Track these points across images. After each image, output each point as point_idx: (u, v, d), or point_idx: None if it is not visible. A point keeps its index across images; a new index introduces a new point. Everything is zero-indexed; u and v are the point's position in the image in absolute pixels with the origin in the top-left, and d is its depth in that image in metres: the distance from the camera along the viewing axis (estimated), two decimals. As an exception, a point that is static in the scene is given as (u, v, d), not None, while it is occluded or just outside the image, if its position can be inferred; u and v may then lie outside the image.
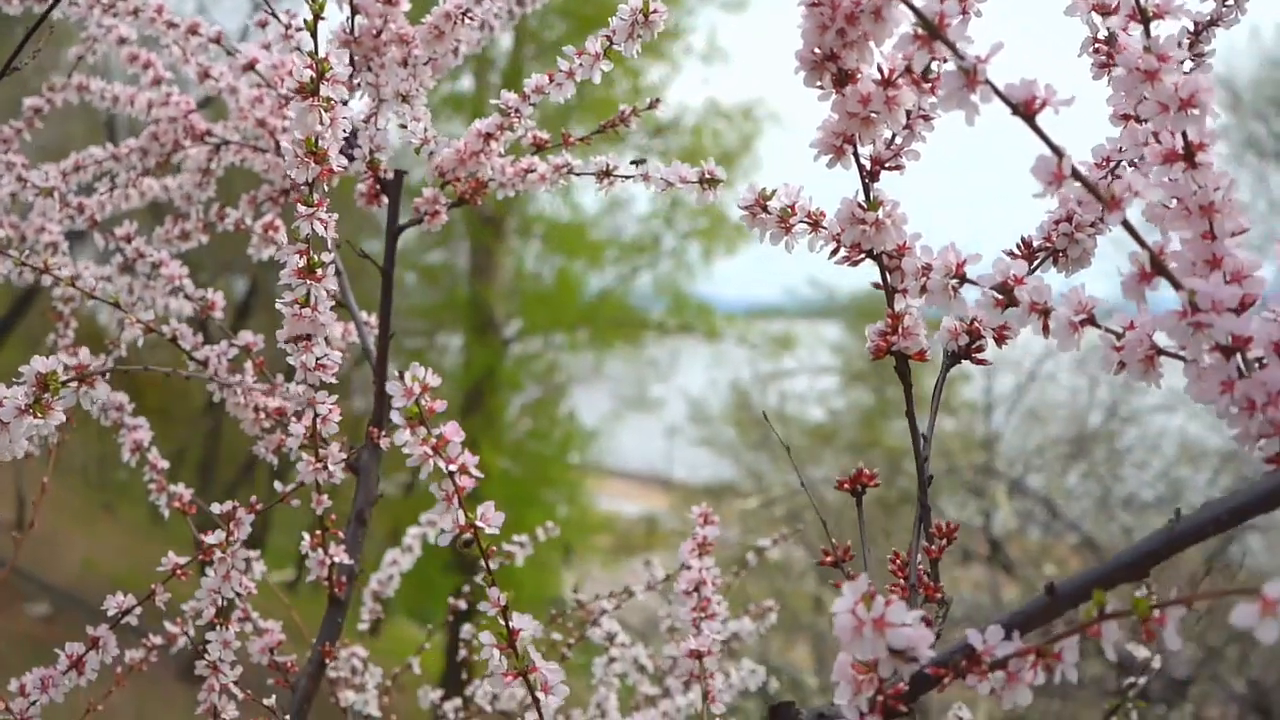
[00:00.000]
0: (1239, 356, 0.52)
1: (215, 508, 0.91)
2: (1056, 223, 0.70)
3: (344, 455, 0.93)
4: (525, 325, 11.88)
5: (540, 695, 0.65)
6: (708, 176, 0.84)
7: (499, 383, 11.34)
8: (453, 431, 0.63)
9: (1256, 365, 0.53)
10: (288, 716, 0.98)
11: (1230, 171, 0.56)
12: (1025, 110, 0.51)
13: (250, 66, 0.99)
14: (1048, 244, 0.70)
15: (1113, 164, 0.70)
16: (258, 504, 0.96)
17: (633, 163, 0.94)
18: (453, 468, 0.62)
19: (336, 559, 0.98)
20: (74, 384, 0.68)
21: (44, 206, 1.13)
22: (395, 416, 0.63)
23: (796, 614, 7.71)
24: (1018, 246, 0.70)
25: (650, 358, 11.94)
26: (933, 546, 0.62)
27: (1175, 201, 0.57)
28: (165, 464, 1.11)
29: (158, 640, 1.05)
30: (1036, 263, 0.70)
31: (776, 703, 0.57)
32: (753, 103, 11.25)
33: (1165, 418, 6.88)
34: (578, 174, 0.97)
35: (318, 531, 0.98)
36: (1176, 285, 0.52)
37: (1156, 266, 0.52)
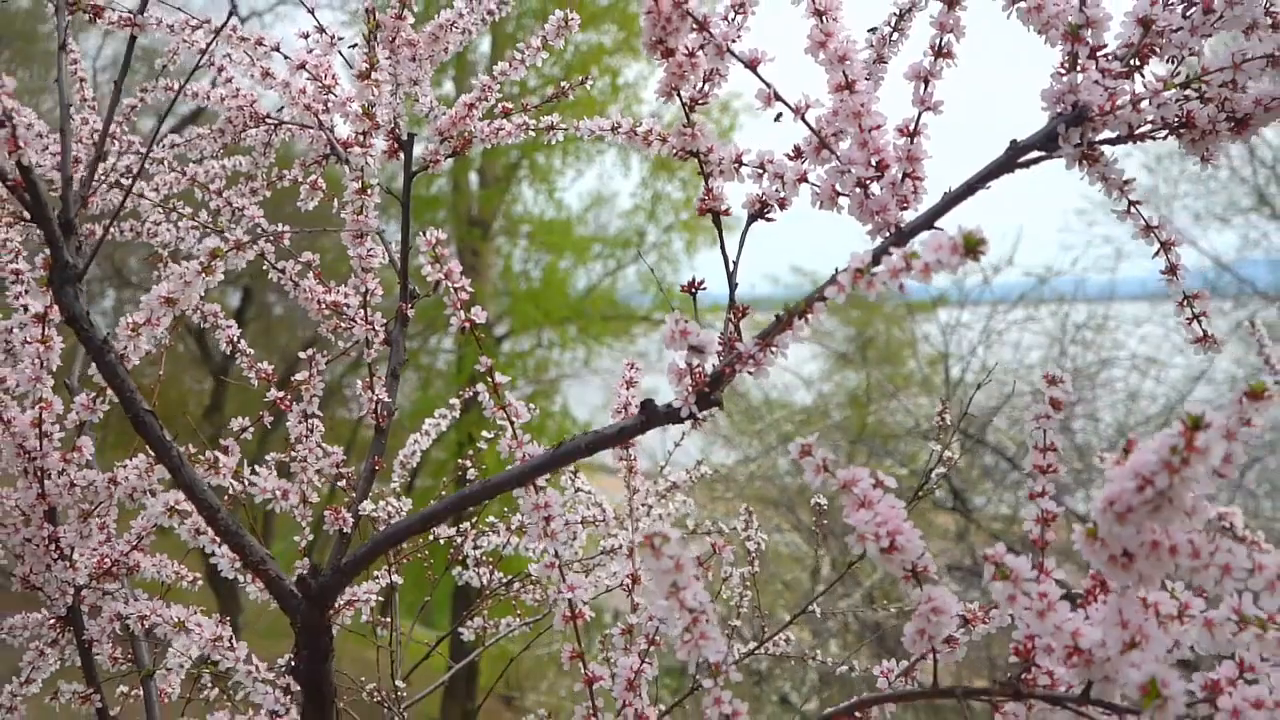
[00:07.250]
0: (869, 187, 0.99)
1: (301, 354, 1.38)
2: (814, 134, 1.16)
3: (385, 321, 1.40)
4: (515, 323, 12.33)
5: (513, 419, 1.12)
6: (615, 125, 1.31)
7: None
8: (456, 265, 1.09)
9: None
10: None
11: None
12: (751, 64, 0.98)
13: (301, 66, 1.46)
14: (814, 149, 1.16)
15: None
16: (327, 356, 1.43)
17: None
18: (457, 285, 1.09)
19: (380, 398, 1.45)
20: (232, 251, 1.15)
21: (157, 171, 1.59)
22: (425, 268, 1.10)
23: (794, 594, 8.16)
24: (794, 148, 1.17)
25: (639, 350, 12.40)
26: (734, 318, 1.09)
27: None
28: (252, 351, 1.57)
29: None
30: (805, 160, 1.17)
31: (644, 399, 1.03)
32: (729, 97, 11.70)
33: (1114, 373, 7.38)
34: (533, 130, 1.44)
35: (366, 378, 1.44)
36: (832, 152, 0.99)
37: (823, 144, 0.99)
